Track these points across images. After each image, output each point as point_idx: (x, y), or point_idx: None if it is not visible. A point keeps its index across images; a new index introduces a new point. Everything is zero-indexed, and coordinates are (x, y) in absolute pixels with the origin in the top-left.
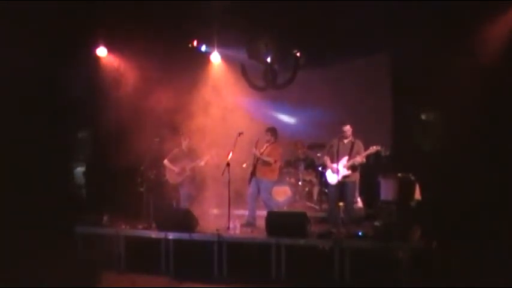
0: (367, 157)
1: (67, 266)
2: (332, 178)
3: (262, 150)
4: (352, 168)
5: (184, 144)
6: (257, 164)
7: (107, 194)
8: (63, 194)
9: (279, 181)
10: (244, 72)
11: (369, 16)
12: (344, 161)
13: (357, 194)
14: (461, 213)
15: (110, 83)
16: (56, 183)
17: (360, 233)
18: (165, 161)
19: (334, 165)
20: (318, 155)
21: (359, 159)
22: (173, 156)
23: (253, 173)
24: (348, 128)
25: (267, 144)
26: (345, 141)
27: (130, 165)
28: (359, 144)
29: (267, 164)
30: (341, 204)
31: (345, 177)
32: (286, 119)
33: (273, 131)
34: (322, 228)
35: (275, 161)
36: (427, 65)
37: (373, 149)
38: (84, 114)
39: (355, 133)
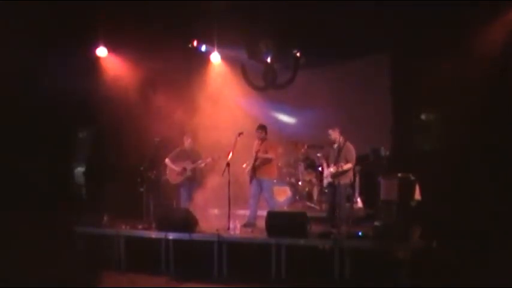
0: (361, 160)
1: (67, 266)
2: (324, 182)
3: (258, 149)
4: (335, 176)
5: (187, 143)
6: (256, 164)
7: (107, 194)
8: (63, 194)
9: (279, 181)
10: (244, 72)
11: (369, 16)
12: (331, 168)
13: (357, 194)
14: (461, 213)
15: (110, 83)
16: (56, 183)
17: (360, 233)
18: (167, 160)
19: (326, 171)
20: (318, 155)
21: (339, 169)
22: (175, 155)
23: (253, 175)
24: (330, 133)
25: (260, 142)
26: (334, 146)
27: (131, 165)
28: (347, 149)
29: (266, 161)
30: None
31: (331, 183)
32: (286, 119)
33: (264, 128)
34: (322, 228)
35: (276, 156)
36: (427, 65)
37: (347, 167)
38: (84, 114)
39: (351, 133)
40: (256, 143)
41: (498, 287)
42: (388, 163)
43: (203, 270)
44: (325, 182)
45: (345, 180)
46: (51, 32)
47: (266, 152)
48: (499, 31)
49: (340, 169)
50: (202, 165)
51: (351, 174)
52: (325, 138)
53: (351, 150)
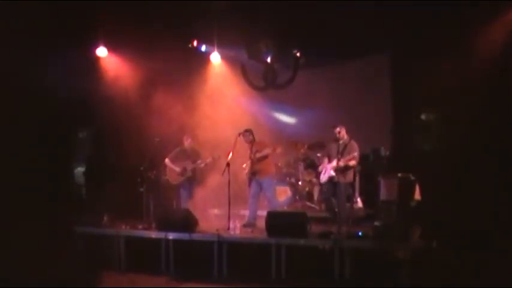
0: (360, 160)
1: (67, 266)
2: (321, 177)
3: (250, 151)
4: (338, 170)
5: (187, 143)
6: (253, 166)
7: (107, 194)
8: (63, 194)
9: (279, 181)
10: (244, 72)
11: (369, 16)
12: (334, 162)
13: (357, 194)
14: (461, 213)
15: (110, 83)
16: (56, 183)
17: (360, 233)
18: (166, 160)
19: (327, 166)
20: (318, 155)
21: (342, 163)
22: (175, 155)
23: (251, 178)
24: (338, 130)
25: (250, 145)
26: (340, 142)
27: (131, 165)
28: (352, 146)
29: (262, 159)
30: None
31: (331, 177)
32: (286, 119)
33: (251, 131)
34: (322, 228)
35: (273, 150)
36: (427, 65)
37: (352, 156)
38: (84, 114)
39: (351, 133)
40: (246, 147)
41: (498, 287)
42: (388, 163)
43: (203, 270)
44: (325, 177)
45: (346, 179)
46: (51, 32)
47: (259, 151)
48: (499, 31)
49: (346, 163)
50: (203, 165)
51: (351, 174)
52: (327, 137)
53: (357, 148)
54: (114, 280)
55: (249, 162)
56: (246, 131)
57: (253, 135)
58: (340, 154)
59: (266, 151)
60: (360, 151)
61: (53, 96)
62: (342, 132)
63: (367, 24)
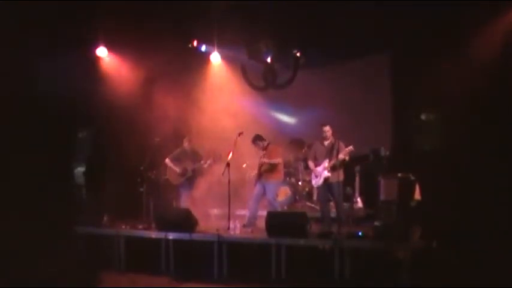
0: (350, 156)
1: (67, 266)
2: (315, 181)
3: (262, 156)
4: (333, 168)
5: (187, 144)
6: (262, 170)
7: (107, 194)
8: (63, 194)
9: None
10: (244, 72)
11: (369, 16)
12: (325, 163)
13: (357, 194)
14: (461, 213)
15: (109, 83)
16: (56, 183)
17: (360, 233)
18: (167, 160)
19: (318, 169)
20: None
21: (341, 156)
22: (175, 156)
23: (258, 180)
24: (327, 129)
25: (262, 151)
26: (326, 143)
27: (131, 165)
28: (341, 146)
29: (272, 166)
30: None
31: (327, 178)
32: (286, 119)
33: (257, 139)
34: (322, 228)
35: (281, 159)
36: (427, 65)
37: (348, 149)
38: (84, 114)
39: (352, 133)
40: (259, 153)
41: (498, 287)
42: (388, 163)
43: (203, 270)
44: (321, 180)
45: (339, 178)
46: (51, 32)
47: (270, 157)
48: (499, 31)
49: (344, 156)
50: (206, 165)
51: (342, 173)
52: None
53: (343, 146)
54: (114, 280)
55: (258, 164)
56: (254, 140)
57: (259, 143)
58: (330, 155)
59: (276, 160)
60: (356, 152)
61: (53, 97)
62: (329, 132)
63: (367, 24)
